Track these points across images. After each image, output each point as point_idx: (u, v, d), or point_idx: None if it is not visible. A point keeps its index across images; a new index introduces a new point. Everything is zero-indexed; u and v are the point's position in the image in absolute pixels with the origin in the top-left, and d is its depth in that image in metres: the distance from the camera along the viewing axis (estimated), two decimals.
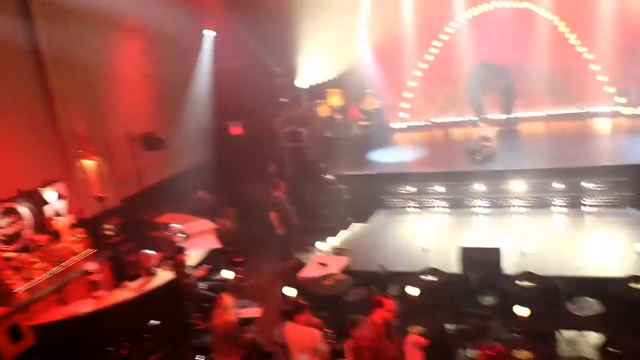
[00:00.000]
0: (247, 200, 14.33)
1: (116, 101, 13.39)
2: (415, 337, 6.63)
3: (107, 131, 13.01)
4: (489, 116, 14.30)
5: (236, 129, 15.16)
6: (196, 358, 8.53)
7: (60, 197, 11.71)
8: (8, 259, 10.39)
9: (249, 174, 14.53)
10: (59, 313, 9.43)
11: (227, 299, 7.93)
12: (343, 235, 11.21)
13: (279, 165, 14.55)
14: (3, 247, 10.52)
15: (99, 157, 12.52)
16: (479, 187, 12.55)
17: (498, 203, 12.42)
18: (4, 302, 9.78)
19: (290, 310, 7.05)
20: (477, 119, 14.09)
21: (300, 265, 9.91)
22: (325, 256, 9.87)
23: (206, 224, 12.05)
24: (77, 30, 11.49)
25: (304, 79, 15.81)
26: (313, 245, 10.01)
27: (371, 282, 9.14)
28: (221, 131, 15.21)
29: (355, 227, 11.70)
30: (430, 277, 8.88)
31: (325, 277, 9.07)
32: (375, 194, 13.50)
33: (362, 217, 12.66)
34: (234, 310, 7.98)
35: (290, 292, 8.15)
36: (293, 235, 11.85)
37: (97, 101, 12.79)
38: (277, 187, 11.81)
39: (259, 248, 12.48)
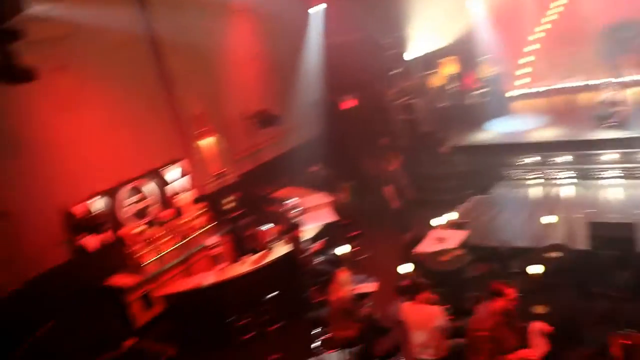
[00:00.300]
0: (362, 174, 14.25)
1: (230, 81, 13.69)
2: (538, 324, 6.20)
3: (223, 110, 13.38)
4: (625, 78, 13.08)
5: (348, 103, 15.04)
6: (312, 331, 8.61)
7: (182, 174, 12.25)
8: (138, 233, 11.05)
9: (363, 147, 14.39)
10: (184, 284, 9.88)
11: (343, 275, 7.91)
12: (461, 208, 10.80)
13: (392, 138, 14.29)
14: (134, 221, 11.21)
15: (217, 135, 12.98)
16: (610, 156, 11.59)
17: (632, 173, 11.41)
18: (136, 272, 10.44)
19: (409, 289, 6.85)
20: (609, 80, 12.91)
21: (417, 239, 9.67)
22: (442, 230, 9.55)
23: (322, 198, 12.10)
24: (190, 15, 11.81)
25: (415, 49, 15.35)
26: (429, 219, 9.74)
27: (491, 258, 8.75)
28: (333, 106, 15.14)
29: (474, 200, 11.25)
30: (555, 254, 8.30)
31: (442, 252, 8.79)
32: (494, 165, 12.90)
33: (481, 190, 12.17)
34: (350, 285, 7.94)
35: (406, 268, 7.97)
36: (409, 209, 11.63)
37: (212, 82, 13.17)
38: (392, 160, 11.60)
39: (374, 222, 12.36)
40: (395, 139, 14.40)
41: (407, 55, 15.22)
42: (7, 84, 7.97)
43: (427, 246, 9.25)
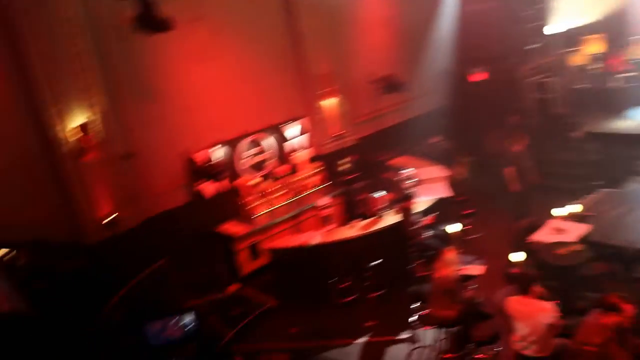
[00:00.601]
0: (484, 151, 13.66)
1: (359, 44, 13.53)
2: None
3: (349, 72, 13.27)
4: None
5: (479, 75, 14.35)
6: (411, 305, 8.48)
7: (301, 132, 12.37)
8: (254, 185, 11.38)
9: (489, 123, 13.72)
10: (291, 240, 10.08)
11: (451, 253, 7.66)
12: (586, 200, 10.03)
13: (522, 116, 13.50)
14: (251, 173, 11.53)
15: (339, 97, 12.94)
16: None
17: None
18: (247, 223, 10.79)
19: (519, 278, 6.50)
20: None
21: (534, 227, 9.14)
22: (563, 221, 8.95)
23: (439, 171, 11.78)
24: None
25: (557, 24, 14.27)
26: (550, 207, 9.16)
27: (613, 259, 8.09)
28: (462, 77, 14.54)
29: (602, 193, 10.39)
30: None
31: (560, 244, 8.25)
32: (630, 157, 11.81)
33: (612, 183, 11.21)
34: (456, 265, 7.69)
35: (518, 256, 7.57)
36: (529, 194, 11.01)
37: (341, 43, 13.08)
38: (518, 140, 11.00)
39: (490, 202, 11.87)
40: (525, 118, 13.57)
41: (548, 30, 14.20)
42: (146, 33, 8.36)
43: (544, 236, 8.72)
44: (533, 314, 6.28)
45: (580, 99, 13.88)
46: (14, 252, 5.41)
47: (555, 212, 9.04)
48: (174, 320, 7.42)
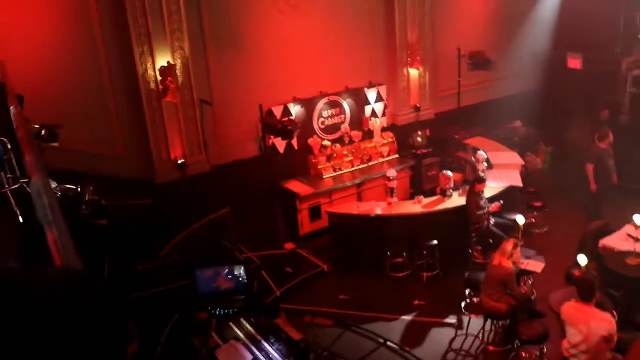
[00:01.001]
0: (566, 143, 13.06)
1: (451, 15, 13.10)
2: None
3: (437, 44, 12.93)
4: None
5: (575, 62, 13.53)
6: (464, 290, 8.33)
7: (380, 99, 12.16)
8: (324, 147, 11.35)
9: (577, 114, 13.04)
10: (353, 207, 10.02)
11: (511, 245, 7.39)
12: None
13: (614, 112, 12.71)
14: (323, 135, 11.49)
15: (424, 67, 12.60)
16: None
17: None
18: (313, 183, 10.81)
19: (580, 283, 6.18)
20: None
21: (607, 231, 8.66)
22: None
23: (514, 158, 11.32)
24: None
25: None
26: (630, 212, 8.61)
27: None
28: (557, 62, 13.76)
29: None
30: None
31: (632, 253, 7.77)
32: None
33: None
34: (516, 257, 7.43)
35: (584, 259, 7.19)
36: (608, 194, 10.40)
37: (433, 14, 12.68)
38: (605, 136, 10.33)
39: (564, 198, 11.36)
40: (618, 114, 12.80)
41: None
42: None
43: (616, 241, 8.24)
44: (588, 322, 5.94)
45: None
46: (78, 188, 5.52)
47: (635, 218, 8.51)
48: (225, 270, 7.51)
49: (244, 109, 10.46)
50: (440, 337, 8.04)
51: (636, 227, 8.19)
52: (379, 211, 9.74)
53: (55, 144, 6.23)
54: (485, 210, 9.30)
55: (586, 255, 7.32)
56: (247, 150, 10.78)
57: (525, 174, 11.04)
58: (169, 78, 9.59)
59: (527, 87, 13.95)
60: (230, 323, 6.88)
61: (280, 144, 10.91)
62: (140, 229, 8.87)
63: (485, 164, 10.76)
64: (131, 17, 9.29)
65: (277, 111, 10.80)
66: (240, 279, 7.55)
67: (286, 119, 10.50)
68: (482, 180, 9.45)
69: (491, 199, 9.56)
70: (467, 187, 9.72)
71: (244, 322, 6.88)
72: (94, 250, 7.80)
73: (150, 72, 9.59)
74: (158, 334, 7.72)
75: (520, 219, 8.06)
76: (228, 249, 9.16)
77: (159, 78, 9.60)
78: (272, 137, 10.49)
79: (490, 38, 13.20)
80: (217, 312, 7.13)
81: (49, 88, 9.78)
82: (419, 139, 12.37)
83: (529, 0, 13.69)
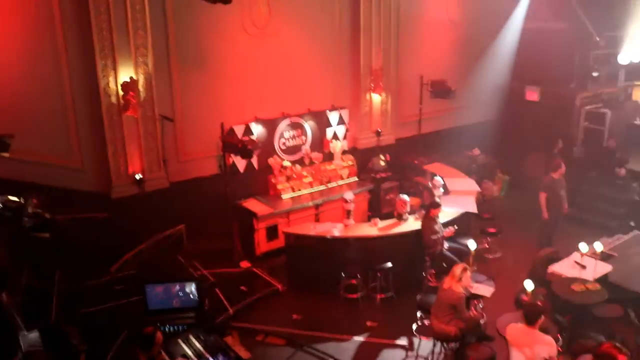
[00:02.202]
0: (522, 172, 13.35)
1: (416, 43, 13.32)
2: None
3: (401, 70, 13.10)
4: None
5: (532, 95, 13.93)
6: (416, 313, 8.36)
7: (342, 122, 12.26)
8: (285, 167, 11.37)
9: (532, 145, 13.38)
10: (310, 228, 10.00)
11: (460, 269, 7.47)
12: (615, 240, 9.65)
13: (568, 144, 13.08)
14: (284, 155, 11.52)
15: (387, 93, 12.77)
16: None
17: None
18: (271, 203, 10.77)
19: (527, 308, 6.30)
20: None
21: (555, 258, 8.85)
22: (586, 257, 8.61)
23: (471, 184, 11.48)
24: None
25: (626, 55, 13.69)
26: (577, 240, 8.84)
27: (629, 305, 7.75)
28: (515, 94, 14.15)
29: (634, 236, 9.99)
30: None
31: (577, 280, 7.95)
32: None
33: None
34: (466, 281, 7.51)
35: (532, 285, 7.32)
36: (557, 223, 10.66)
37: (397, 41, 12.89)
38: (558, 167, 10.62)
39: (516, 225, 11.57)
40: (571, 146, 13.18)
41: (621, 59, 13.63)
42: (209, 2, 8.46)
43: (563, 268, 8.43)
44: (532, 345, 6.07)
45: (633, 137, 13.35)
46: (21, 200, 5.42)
47: (581, 246, 8.73)
48: (176, 287, 7.42)
49: (206, 127, 10.43)
50: (391, 358, 8.06)
51: (582, 254, 8.41)
52: (335, 233, 9.74)
53: (6, 154, 6.10)
54: (440, 235, 9.38)
55: (536, 281, 7.47)
56: (207, 167, 10.72)
57: (481, 200, 11.22)
58: (131, 93, 9.51)
59: (486, 117, 14.25)
60: (179, 340, 6.79)
61: (240, 163, 10.87)
62: (94, 243, 8.74)
63: (442, 189, 10.90)
64: (96, 29, 9.25)
65: (239, 130, 10.79)
66: (192, 296, 7.47)
67: (247, 138, 10.52)
68: (437, 206, 9.55)
69: (446, 224, 9.66)
70: (424, 211, 9.81)
71: (193, 340, 6.80)
72: (40, 263, 7.67)
73: (112, 85, 9.52)
74: (106, 350, 7.57)
75: (472, 244, 8.19)
76: (183, 266, 9.03)
77: (121, 93, 9.51)
78: (232, 155, 10.44)
79: (452, 68, 13.44)
80: (166, 329, 7.04)
81: (2, 94, 9.61)
82: (379, 163, 12.46)
83: (490, 34, 14.01)
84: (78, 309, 7.97)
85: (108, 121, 9.62)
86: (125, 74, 9.54)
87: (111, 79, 9.50)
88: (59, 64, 9.61)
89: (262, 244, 10.55)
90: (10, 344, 6.21)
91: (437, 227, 9.42)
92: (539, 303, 6.45)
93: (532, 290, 7.34)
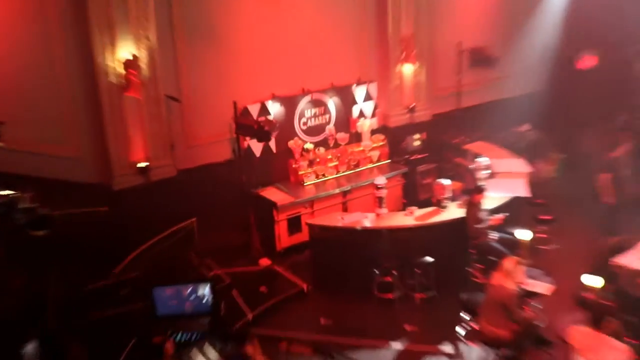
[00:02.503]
0: (579, 150, 13.01)
1: (451, 6, 13.13)
2: None
3: (435, 38, 12.91)
4: None
5: (586, 62, 13.58)
6: (461, 314, 8.14)
7: (369, 98, 12.04)
8: (307, 150, 11.21)
9: (590, 119, 13.05)
10: (337, 219, 9.85)
11: (514, 264, 7.25)
12: None
13: (632, 117, 12.69)
14: (305, 137, 11.32)
15: (420, 64, 12.55)
16: None
17: None
18: (292, 191, 10.61)
19: (592, 307, 6.08)
20: None
21: (622, 248, 8.56)
22: None
23: (520, 165, 11.23)
24: None
25: None
26: None
27: None
28: (567, 61, 13.79)
29: None
30: None
31: None
32: None
33: None
34: (519, 277, 7.28)
35: (594, 280, 7.05)
36: (624, 208, 10.32)
37: (430, 5, 12.69)
38: (621, 144, 10.31)
39: (576, 211, 11.25)
40: (636, 119, 12.79)
41: None
42: None
43: (631, 260, 8.14)
44: (601, 352, 5.93)
45: None
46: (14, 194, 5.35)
47: None
48: (188, 289, 7.34)
49: (217, 107, 10.32)
50: None
51: None
52: (366, 223, 9.60)
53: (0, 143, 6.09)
54: (487, 224, 9.16)
55: (600, 276, 7.20)
56: (219, 153, 10.61)
57: (533, 183, 10.94)
58: (132, 71, 9.47)
59: (536, 87, 13.99)
60: (194, 349, 6.77)
61: (256, 147, 10.71)
62: (94, 241, 8.69)
63: (486, 171, 10.59)
64: (91, 1, 9.16)
65: (254, 110, 10.61)
66: (206, 299, 7.42)
67: (263, 118, 10.33)
68: (481, 190, 9.35)
69: (494, 211, 9.43)
70: (467, 198, 9.57)
71: (209, 349, 6.79)
72: (34, 264, 7.60)
73: (111, 63, 9.46)
74: None
75: (525, 234, 7.99)
76: (194, 265, 8.97)
77: (121, 71, 9.46)
78: (247, 138, 10.29)
79: (494, 33, 13.19)
80: (178, 337, 7.00)
81: None
82: (414, 143, 12.28)
83: None
84: (78, 316, 7.91)
85: (107, 104, 9.59)
86: (126, 49, 9.46)
87: (109, 56, 9.43)
88: (52, 42, 9.58)
89: (284, 238, 10.45)
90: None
91: (482, 215, 9.20)
92: (605, 301, 6.28)
93: (596, 286, 7.09)
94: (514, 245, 8.78)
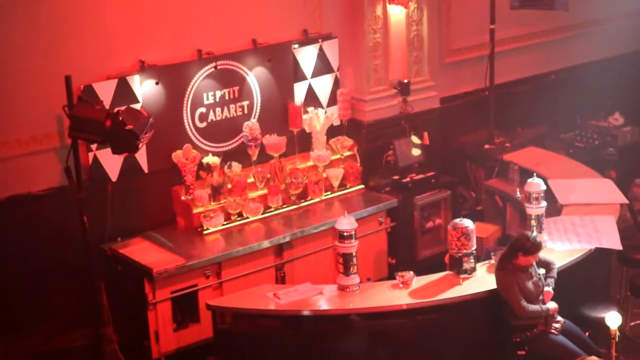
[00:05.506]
0: None
1: None
2: None
3: None
4: None
5: None
6: None
7: (328, 69, 12.36)
8: (208, 168, 11.38)
9: None
10: (267, 297, 9.93)
11: None
12: None
13: None
14: (205, 142, 11.40)
15: (419, 4, 12.78)
16: None
17: None
18: (184, 248, 10.62)
19: None
20: None
21: None
22: None
23: (606, 191, 11.65)
24: None
25: None
26: None
27: None
28: None
29: None
30: None
31: None
32: None
33: None
34: None
35: None
36: None
37: None
38: None
39: None
40: None
41: None
42: None
43: None
44: None
45: None
46: None
47: None
48: None
49: (31, 88, 10.38)
50: None
51: None
52: (321, 305, 9.74)
53: None
54: (543, 301, 9.38)
55: None
56: (38, 173, 10.65)
57: (631, 221, 11.19)
58: None
59: (630, 46, 14.38)
60: None
61: (110, 162, 10.80)
62: None
63: (542, 203, 10.72)
64: None
65: (105, 91, 10.69)
66: None
67: (123, 108, 10.27)
68: (534, 248, 9.40)
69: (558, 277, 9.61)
70: (508, 256, 9.65)
71: None
72: None
73: None
74: None
75: (613, 319, 8.10)
76: None
77: None
78: (93, 146, 10.33)
79: None
80: None
81: None
82: (411, 151, 12.44)
83: None
84: None
85: None
86: None
87: None
88: None
89: (166, 336, 10.50)
90: None
91: (532, 285, 9.35)
92: None
93: None
94: (597, 340, 9.08)
